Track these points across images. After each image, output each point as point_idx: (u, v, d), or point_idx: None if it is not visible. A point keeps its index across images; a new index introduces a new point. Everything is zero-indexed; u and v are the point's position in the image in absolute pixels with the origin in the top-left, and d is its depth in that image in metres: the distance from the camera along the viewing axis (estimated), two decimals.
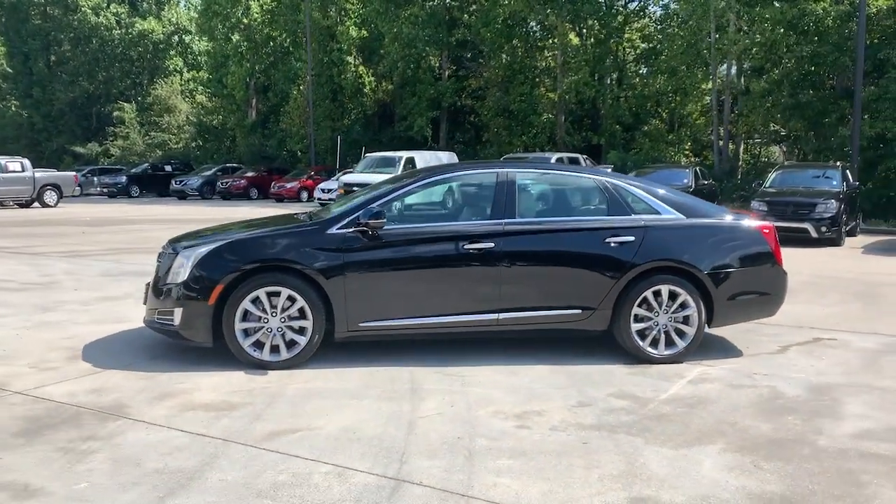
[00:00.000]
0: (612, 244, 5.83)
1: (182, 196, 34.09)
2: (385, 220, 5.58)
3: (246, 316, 5.52)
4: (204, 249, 5.60)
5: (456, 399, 4.95)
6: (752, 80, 26.85)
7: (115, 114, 45.89)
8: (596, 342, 6.25)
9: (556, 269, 5.85)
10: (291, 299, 5.53)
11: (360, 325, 5.65)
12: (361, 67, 35.97)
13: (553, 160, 18.42)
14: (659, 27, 29.64)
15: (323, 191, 27.68)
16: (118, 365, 5.64)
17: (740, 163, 29.05)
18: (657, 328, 5.89)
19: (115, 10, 50.11)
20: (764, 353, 6.28)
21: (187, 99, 46.05)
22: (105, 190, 35.88)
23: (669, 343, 5.92)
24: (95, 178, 37.20)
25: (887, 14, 22.50)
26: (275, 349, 5.58)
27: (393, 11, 31.85)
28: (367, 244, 5.62)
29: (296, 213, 6.91)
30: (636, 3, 30.96)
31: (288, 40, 38.52)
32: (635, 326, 5.87)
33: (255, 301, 5.51)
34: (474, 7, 32.15)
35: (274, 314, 5.54)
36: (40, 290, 8.86)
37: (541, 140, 31.35)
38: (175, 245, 5.92)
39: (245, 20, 38.07)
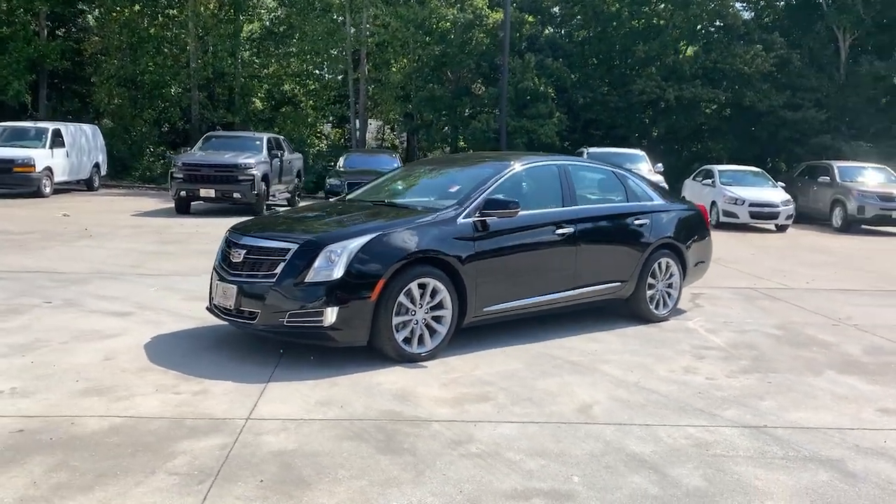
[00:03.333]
0: (637, 226, 7.04)
1: None
2: (520, 209, 5.92)
3: (397, 310, 5.38)
4: (357, 243, 5.26)
5: (621, 366, 5.68)
6: (386, 71, 29.33)
7: None
8: (585, 313, 7.24)
9: (608, 248, 6.85)
10: (434, 289, 5.55)
11: (485, 309, 5.91)
12: None
13: (265, 140, 18.09)
14: (291, 10, 30.12)
15: None
16: (261, 377, 4.99)
17: (367, 147, 31.39)
18: (659, 293, 7.29)
19: None
20: (691, 306, 8.10)
21: None
22: None
23: (665, 305, 7.37)
24: None
25: (502, 26, 26.77)
26: (420, 340, 5.54)
27: None
28: (488, 232, 5.89)
29: (331, 200, 6.58)
30: None
31: None
32: (648, 293, 7.18)
33: (406, 293, 5.41)
34: None
35: (420, 305, 5.50)
36: None
37: (173, 115, 29.60)
38: (300, 238, 5.38)
39: None
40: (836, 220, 18.14)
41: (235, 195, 16.43)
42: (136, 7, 28.94)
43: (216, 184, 16.37)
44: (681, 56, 27.98)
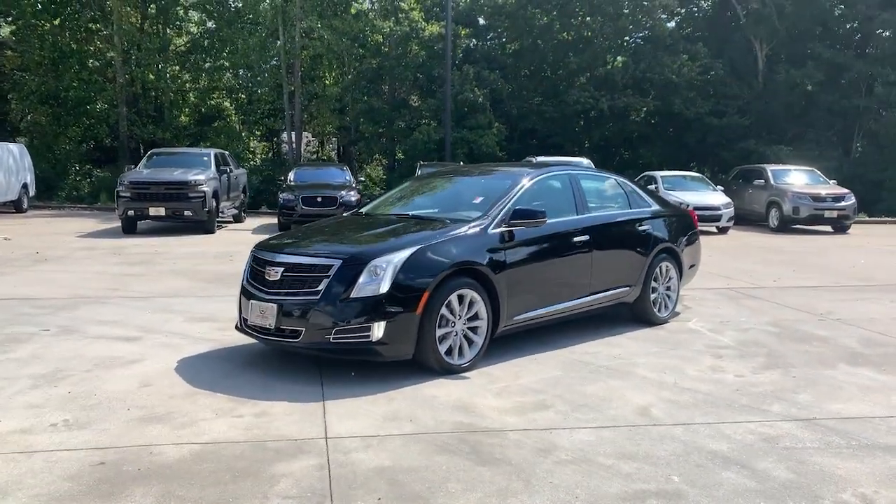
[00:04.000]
0: (642, 231, 7.26)
1: None
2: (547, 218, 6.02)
3: (440, 322, 5.40)
4: (400, 256, 5.25)
5: (651, 368, 5.84)
6: (322, 83, 29.09)
7: None
8: (589, 318, 7.38)
9: (618, 254, 7.03)
10: (471, 300, 5.60)
11: (514, 318, 5.99)
12: None
13: (212, 156, 17.62)
14: (220, 22, 29.45)
15: None
16: (313, 395, 4.93)
17: (303, 160, 30.99)
18: (660, 296, 7.53)
19: None
20: (682, 308, 8.37)
21: None
22: None
23: (665, 307, 7.61)
24: None
25: (438, 38, 27.00)
26: (459, 352, 5.57)
27: None
28: (515, 242, 5.96)
29: (346, 215, 6.55)
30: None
31: None
32: (651, 296, 7.40)
33: (447, 305, 5.43)
34: None
35: (459, 317, 5.53)
36: None
37: (99, 132, 28.54)
38: (342, 253, 5.33)
39: None
40: (773, 220, 19.02)
41: (186, 213, 16.01)
42: (57, 21, 27.82)
43: (166, 202, 15.91)
44: (611, 67, 28.79)
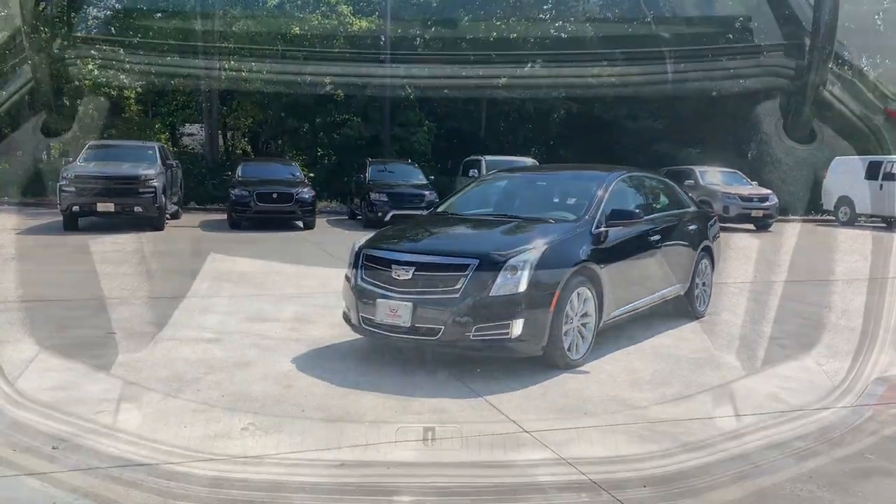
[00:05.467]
0: (692, 230, 7.67)
1: None
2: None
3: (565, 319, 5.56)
4: (535, 255, 5.37)
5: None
6: (246, 76, 28.24)
7: None
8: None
9: (677, 251, 7.38)
10: (585, 297, 5.79)
11: (611, 314, 6.22)
12: None
13: (157, 149, 16.84)
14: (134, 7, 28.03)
15: None
16: (462, 391, 4.99)
17: (221, 154, 29.99)
18: (700, 291, 7.97)
19: None
20: None
21: None
22: None
23: (704, 302, 8.06)
24: None
25: (366, 34, 26.86)
26: (575, 348, 5.75)
27: None
28: (610, 241, 6.19)
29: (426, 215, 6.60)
30: None
31: None
32: (696, 292, 7.83)
33: (570, 302, 5.60)
34: None
35: (576, 314, 5.71)
36: None
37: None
38: (476, 252, 5.39)
39: None
40: None
41: (136, 209, 15.23)
42: None
43: (115, 197, 15.07)
44: (533, 68, 29.56)
